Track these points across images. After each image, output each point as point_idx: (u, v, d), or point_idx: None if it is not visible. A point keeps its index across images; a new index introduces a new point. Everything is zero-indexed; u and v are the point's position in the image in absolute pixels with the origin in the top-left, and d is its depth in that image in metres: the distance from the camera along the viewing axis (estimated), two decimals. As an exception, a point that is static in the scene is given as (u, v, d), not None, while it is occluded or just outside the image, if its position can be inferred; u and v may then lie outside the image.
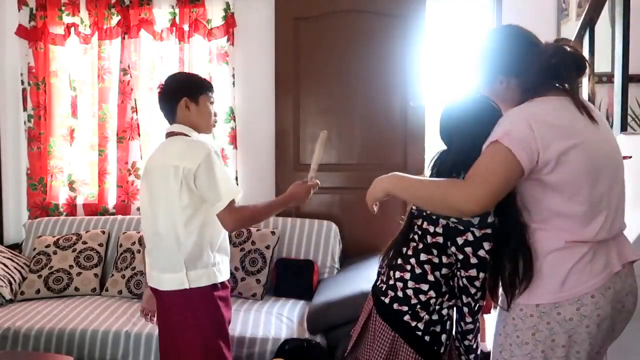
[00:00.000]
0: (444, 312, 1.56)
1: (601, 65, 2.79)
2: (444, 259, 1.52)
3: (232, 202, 1.85)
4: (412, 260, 1.56)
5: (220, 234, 1.96)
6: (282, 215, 3.26)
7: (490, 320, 2.70)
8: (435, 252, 1.53)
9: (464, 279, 1.50)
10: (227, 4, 3.32)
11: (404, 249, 1.60)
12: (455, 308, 1.59)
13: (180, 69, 3.35)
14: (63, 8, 3.47)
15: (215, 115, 2.06)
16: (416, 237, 1.58)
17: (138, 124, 3.43)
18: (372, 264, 2.63)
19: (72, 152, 3.54)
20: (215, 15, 3.35)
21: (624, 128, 2.12)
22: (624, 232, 1.39)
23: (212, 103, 2.03)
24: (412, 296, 1.54)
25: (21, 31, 3.49)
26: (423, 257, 1.54)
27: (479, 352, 1.62)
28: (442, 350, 1.56)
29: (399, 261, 1.60)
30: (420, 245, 1.56)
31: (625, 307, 1.34)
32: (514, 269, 1.36)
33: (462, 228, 1.47)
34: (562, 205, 1.29)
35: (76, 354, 2.46)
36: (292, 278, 2.95)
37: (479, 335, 1.61)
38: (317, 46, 3.26)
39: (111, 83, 3.48)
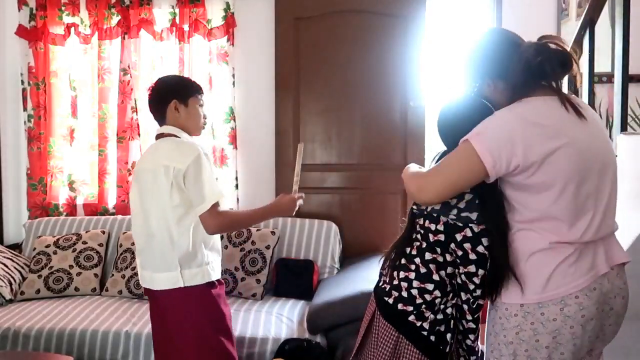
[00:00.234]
0: (449, 311, 1.55)
1: (601, 65, 2.79)
2: (448, 257, 1.52)
3: (216, 205, 1.86)
4: (417, 260, 1.56)
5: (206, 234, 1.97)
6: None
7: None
8: (438, 250, 1.53)
9: (463, 275, 1.50)
10: (227, 4, 3.32)
11: (408, 249, 1.60)
12: (455, 306, 1.58)
13: (180, 69, 3.35)
14: (63, 8, 3.47)
15: (204, 117, 2.08)
16: (419, 236, 1.58)
17: (138, 124, 3.43)
18: (372, 264, 2.63)
19: (72, 152, 3.54)
20: (215, 15, 3.35)
21: (624, 128, 2.12)
22: (614, 233, 1.38)
23: (201, 105, 2.06)
24: (417, 296, 1.53)
25: (21, 31, 3.49)
26: (428, 256, 1.54)
27: (479, 353, 1.61)
28: (447, 350, 1.56)
29: (403, 261, 1.59)
30: (424, 245, 1.56)
31: (614, 309, 1.33)
32: (494, 267, 1.40)
33: (461, 225, 1.48)
34: (546, 206, 1.29)
35: (76, 354, 2.46)
36: (292, 278, 2.95)
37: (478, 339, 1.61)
38: (317, 46, 3.26)
39: (111, 83, 3.48)
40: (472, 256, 1.47)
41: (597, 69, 2.34)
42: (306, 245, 3.10)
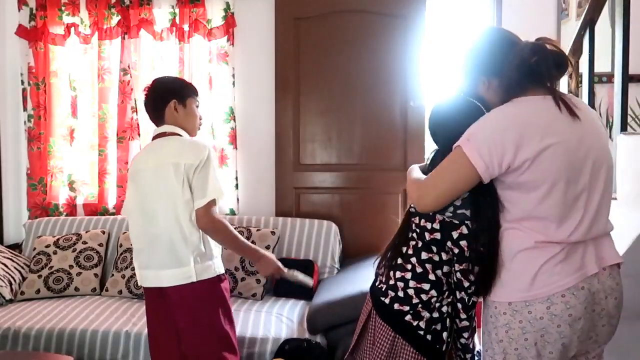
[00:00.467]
0: (444, 309, 1.55)
1: (601, 65, 2.78)
2: (444, 256, 1.53)
3: (212, 202, 1.91)
4: (413, 260, 1.56)
5: None
6: (281, 215, 3.28)
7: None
8: (434, 249, 1.53)
9: (458, 273, 1.50)
10: (227, 4, 3.32)
11: (404, 248, 1.60)
12: (450, 304, 1.59)
13: (180, 69, 3.35)
14: (63, 8, 3.48)
15: (200, 118, 2.13)
16: (415, 235, 1.58)
17: (138, 124, 3.43)
18: (372, 264, 2.63)
19: (72, 152, 3.54)
20: (215, 15, 3.35)
21: (624, 128, 2.12)
22: (609, 234, 1.38)
23: (197, 106, 2.11)
24: (414, 296, 1.54)
25: (21, 31, 3.49)
26: (424, 255, 1.55)
27: (475, 351, 1.61)
28: (443, 349, 1.56)
29: (399, 261, 1.60)
30: (420, 244, 1.56)
31: (605, 310, 1.33)
32: (482, 266, 1.42)
33: (457, 222, 1.48)
34: (534, 205, 1.30)
35: (76, 354, 2.46)
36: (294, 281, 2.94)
37: (475, 334, 1.61)
38: (317, 46, 3.26)
39: (111, 83, 3.48)
40: (467, 253, 1.48)
41: (597, 69, 2.34)
42: (306, 245, 3.10)
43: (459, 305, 1.53)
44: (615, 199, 2.01)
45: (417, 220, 1.58)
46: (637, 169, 1.91)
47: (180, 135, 2.01)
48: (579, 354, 1.38)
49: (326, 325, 2.44)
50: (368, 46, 3.22)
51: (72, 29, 3.48)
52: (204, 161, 1.91)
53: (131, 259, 2.99)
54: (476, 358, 1.64)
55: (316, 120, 3.30)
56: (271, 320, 2.55)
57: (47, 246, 3.12)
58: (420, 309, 1.54)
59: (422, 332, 1.53)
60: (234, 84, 3.35)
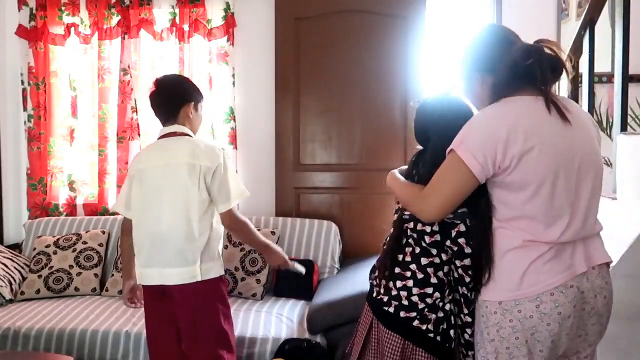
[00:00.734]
0: (447, 307, 1.55)
1: (601, 65, 2.78)
2: (443, 257, 1.53)
3: (235, 205, 2.01)
4: (413, 267, 1.55)
5: (222, 228, 2.08)
6: (282, 215, 3.28)
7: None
8: (434, 251, 1.53)
9: (460, 269, 1.50)
10: (227, 4, 3.32)
11: (400, 256, 1.59)
12: (453, 301, 1.58)
13: (180, 69, 3.35)
14: (63, 8, 3.48)
15: None
16: (411, 241, 1.57)
17: (138, 124, 3.43)
18: (372, 264, 2.63)
19: (72, 152, 3.54)
20: (215, 15, 3.35)
21: (624, 128, 2.12)
22: (598, 234, 1.39)
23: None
24: (419, 302, 1.54)
25: (21, 31, 3.49)
26: (424, 261, 1.54)
27: (470, 353, 1.59)
28: (452, 346, 1.56)
29: (397, 270, 1.58)
30: (418, 250, 1.56)
31: (595, 309, 1.34)
32: (476, 265, 1.43)
33: (458, 221, 1.49)
34: (522, 205, 1.31)
35: (76, 354, 2.46)
36: (292, 278, 2.93)
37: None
38: (317, 46, 3.26)
39: (111, 83, 3.48)
40: (468, 250, 1.48)
41: (597, 69, 2.34)
42: (306, 245, 3.10)
43: (462, 301, 1.53)
44: (615, 199, 2.01)
45: (412, 225, 1.56)
46: (637, 169, 1.91)
47: (190, 136, 2.04)
48: (570, 354, 1.39)
49: (326, 325, 2.44)
50: (368, 46, 3.22)
51: (72, 29, 3.48)
52: (222, 165, 1.96)
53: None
54: None
55: (316, 120, 3.30)
56: (271, 320, 2.55)
57: (47, 246, 3.12)
58: (427, 313, 1.53)
59: (432, 335, 1.53)
60: (234, 84, 3.36)
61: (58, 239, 3.15)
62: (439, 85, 3.50)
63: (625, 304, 1.88)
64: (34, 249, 3.15)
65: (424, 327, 1.53)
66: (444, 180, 1.35)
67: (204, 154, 1.96)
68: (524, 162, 1.27)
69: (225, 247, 2.96)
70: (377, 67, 3.21)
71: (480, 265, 1.41)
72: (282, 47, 3.28)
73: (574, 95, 2.36)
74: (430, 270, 1.53)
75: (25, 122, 3.56)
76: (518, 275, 1.31)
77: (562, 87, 2.49)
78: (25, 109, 3.55)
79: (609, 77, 2.99)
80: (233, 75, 3.35)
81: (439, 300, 1.54)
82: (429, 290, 1.53)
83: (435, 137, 1.54)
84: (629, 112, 2.51)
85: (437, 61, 3.45)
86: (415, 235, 1.56)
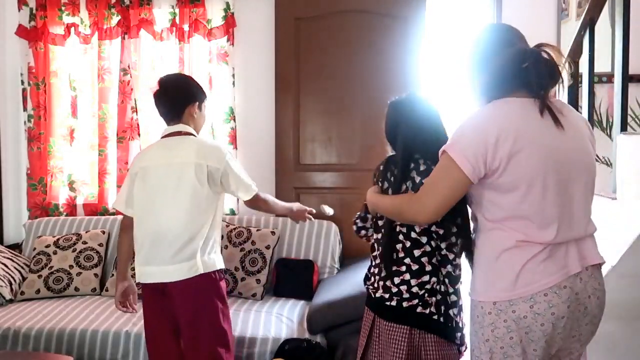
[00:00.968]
0: (442, 289, 1.62)
1: (601, 65, 2.78)
2: (433, 244, 1.61)
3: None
4: (407, 260, 1.61)
5: (221, 223, 2.13)
6: (282, 215, 3.27)
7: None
8: (424, 240, 1.60)
9: (444, 250, 1.60)
10: (227, 4, 3.32)
11: (393, 254, 1.64)
12: (441, 282, 1.66)
13: (180, 69, 3.35)
14: (63, 8, 3.48)
15: None
16: (401, 237, 1.63)
17: (138, 124, 3.44)
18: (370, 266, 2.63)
19: (72, 152, 3.54)
20: (215, 15, 3.35)
21: (624, 128, 2.12)
22: (592, 235, 1.41)
23: None
24: (419, 291, 1.60)
25: (21, 31, 3.49)
26: (417, 252, 1.61)
27: (464, 330, 1.67)
28: (453, 325, 1.63)
29: (393, 268, 1.63)
30: (409, 243, 1.62)
31: (588, 309, 1.35)
32: (464, 235, 1.55)
33: None
34: (514, 206, 1.32)
35: (76, 354, 2.46)
36: (292, 278, 2.95)
37: (462, 313, 1.68)
38: (317, 46, 3.26)
39: (111, 83, 3.48)
40: (454, 229, 1.58)
41: (597, 69, 2.34)
42: (306, 245, 3.10)
43: (447, 281, 1.61)
44: (615, 199, 2.01)
45: (397, 227, 1.64)
46: (637, 169, 1.91)
47: (195, 136, 2.07)
48: (563, 355, 1.40)
49: (326, 325, 2.44)
50: (368, 46, 3.22)
51: (72, 29, 3.48)
52: (229, 164, 2.02)
53: (132, 259, 3.00)
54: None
55: (316, 120, 3.30)
56: (271, 320, 2.55)
57: (47, 246, 3.12)
58: (427, 298, 1.60)
59: (435, 317, 1.60)
60: (234, 84, 3.36)
61: (58, 239, 3.15)
62: (443, 86, 3.51)
63: (625, 304, 1.88)
64: (34, 249, 3.15)
65: (427, 311, 1.59)
66: (437, 181, 1.37)
67: (210, 154, 2.00)
68: (513, 163, 1.29)
69: (225, 247, 2.96)
70: (377, 67, 3.21)
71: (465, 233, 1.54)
72: (282, 47, 3.28)
73: (574, 95, 2.36)
74: (424, 259, 1.60)
75: (25, 122, 3.56)
76: (513, 275, 1.32)
77: (562, 88, 2.48)
78: (25, 109, 3.55)
79: (609, 77, 2.98)
80: (233, 75, 3.35)
81: (435, 284, 1.61)
82: (426, 277, 1.60)
83: (404, 133, 1.68)
84: (629, 112, 2.51)
85: (437, 61, 3.45)
86: (404, 230, 1.62)
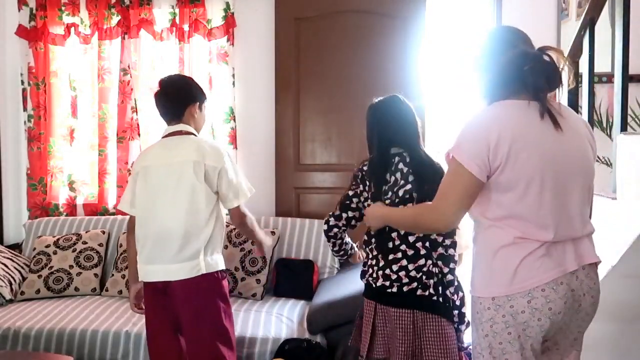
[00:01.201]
0: (436, 270, 1.75)
1: (601, 65, 2.78)
2: None
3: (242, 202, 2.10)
4: (402, 247, 1.74)
5: (224, 225, 2.14)
6: (282, 215, 3.28)
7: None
8: None
9: (434, 234, 1.73)
10: (227, 4, 3.32)
11: (390, 244, 1.74)
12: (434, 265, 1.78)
13: (180, 69, 3.35)
14: (63, 8, 3.48)
15: None
16: (387, 227, 1.74)
17: (138, 124, 3.43)
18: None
19: (72, 152, 3.54)
20: (215, 15, 3.35)
21: (624, 128, 2.12)
22: (590, 235, 1.43)
23: None
24: (416, 274, 1.72)
25: (21, 31, 3.49)
26: (411, 238, 1.74)
27: (463, 309, 1.79)
28: (450, 304, 1.76)
29: (390, 256, 1.75)
30: (402, 231, 1.74)
31: (582, 306, 1.38)
32: None
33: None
34: (512, 205, 1.35)
35: (76, 354, 2.46)
36: (292, 278, 2.95)
37: (460, 292, 1.80)
38: (317, 46, 3.26)
39: (111, 83, 3.48)
40: None
41: (597, 69, 2.33)
42: (306, 245, 3.10)
43: (440, 262, 1.74)
44: (615, 199, 2.01)
45: None
46: (637, 169, 1.91)
47: (195, 135, 2.08)
48: (553, 351, 1.45)
49: (326, 325, 2.44)
50: (368, 46, 3.22)
51: (72, 29, 3.48)
52: (226, 164, 2.02)
53: (131, 259, 3.00)
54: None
55: (316, 120, 3.30)
56: (271, 320, 2.55)
57: (47, 246, 3.12)
58: (426, 280, 1.72)
59: (435, 298, 1.72)
60: (234, 84, 3.35)
61: (58, 239, 3.15)
62: (443, 86, 3.51)
63: (626, 304, 1.88)
64: (34, 249, 3.15)
65: (426, 293, 1.71)
66: (450, 187, 1.39)
67: (209, 153, 2.00)
68: (511, 163, 1.32)
69: (225, 247, 2.96)
70: (377, 67, 3.21)
71: None
72: (282, 47, 3.28)
73: (574, 95, 2.36)
74: (419, 244, 1.74)
75: (25, 122, 3.56)
76: (511, 271, 1.34)
77: (561, 90, 2.49)
78: (25, 109, 3.55)
79: (609, 77, 2.98)
80: (233, 75, 3.35)
81: (431, 266, 1.73)
82: (422, 261, 1.73)
83: (382, 132, 1.86)
84: (629, 112, 2.50)
85: (437, 61, 3.45)
86: None
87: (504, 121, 1.34)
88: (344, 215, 1.89)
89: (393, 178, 1.81)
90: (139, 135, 3.44)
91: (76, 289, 3.00)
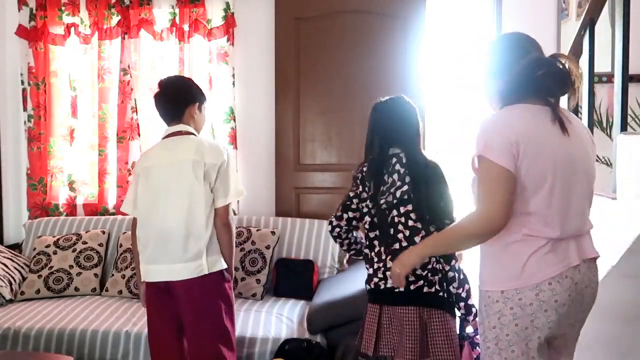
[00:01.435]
0: (440, 267, 1.81)
1: (601, 65, 2.78)
2: (426, 228, 1.80)
3: (230, 204, 2.06)
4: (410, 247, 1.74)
5: None
6: (282, 215, 3.28)
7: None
8: (419, 225, 1.80)
9: (434, 231, 1.78)
10: (227, 4, 3.32)
11: (396, 245, 1.80)
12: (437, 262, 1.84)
13: (180, 69, 3.35)
14: (63, 8, 3.47)
15: None
16: (400, 227, 1.80)
17: (138, 124, 3.43)
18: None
19: (72, 152, 3.54)
20: (215, 15, 3.35)
21: (624, 128, 2.12)
22: (589, 232, 1.50)
23: None
24: (422, 272, 1.77)
25: (21, 31, 3.49)
26: (417, 239, 1.78)
27: (470, 301, 1.85)
28: (453, 300, 1.83)
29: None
30: (408, 232, 1.79)
31: (584, 298, 1.45)
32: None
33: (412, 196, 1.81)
34: (524, 204, 1.40)
35: (76, 354, 2.46)
36: (292, 278, 2.95)
37: (466, 285, 1.86)
38: (317, 46, 3.26)
39: (111, 83, 3.48)
40: (439, 213, 1.80)
41: (597, 69, 2.34)
42: (306, 245, 3.10)
43: (442, 260, 1.81)
44: (615, 199, 2.01)
45: (395, 212, 1.81)
46: (637, 169, 1.91)
47: (195, 135, 2.09)
48: (558, 342, 1.49)
49: (326, 325, 2.44)
50: (368, 46, 3.22)
51: (72, 29, 3.48)
52: (225, 163, 2.02)
53: (131, 259, 3.00)
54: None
55: (316, 120, 3.30)
56: (271, 320, 2.55)
57: (47, 246, 3.12)
58: (431, 277, 1.78)
59: (440, 294, 1.78)
60: (234, 84, 3.35)
61: (58, 239, 3.15)
62: (443, 86, 3.51)
63: (626, 304, 1.88)
64: (34, 249, 3.15)
65: (432, 289, 1.77)
66: (490, 185, 1.39)
67: (208, 152, 2.01)
68: (526, 163, 1.37)
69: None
70: (377, 67, 3.21)
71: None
72: (282, 47, 3.28)
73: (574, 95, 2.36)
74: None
75: (25, 122, 3.56)
76: (520, 265, 1.40)
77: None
78: (25, 109, 3.55)
79: (609, 77, 2.98)
80: (233, 75, 3.35)
81: (435, 263, 1.79)
82: (426, 259, 1.74)
83: (382, 132, 1.90)
84: (629, 112, 2.50)
85: (436, 61, 3.45)
86: (402, 220, 1.80)
87: (520, 123, 1.39)
88: (345, 215, 1.94)
89: (390, 179, 1.84)
90: (139, 135, 3.44)
91: (76, 289, 3.00)
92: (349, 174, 3.32)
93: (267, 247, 2.96)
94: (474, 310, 1.86)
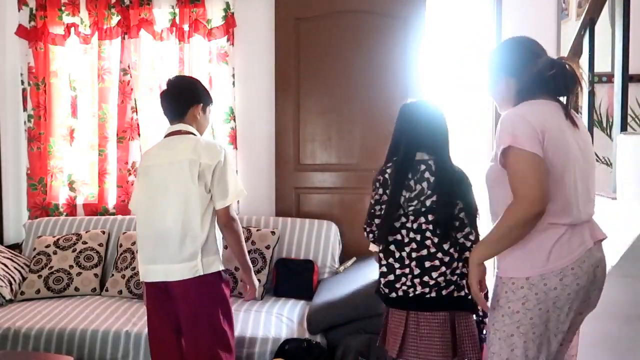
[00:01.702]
0: (465, 271, 1.80)
1: (601, 65, 2.78)
2: (453, 234, 1.81)
3: (231, 205, 2.04)
4: (439, 255, 1.78)
5: None
6: (282, 215, 3.28)
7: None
8: (437, 231, 1.79)
9: (462, 238, 1.81)
10: (227, 4, 3.32)
11: (424, 251, 1.79)
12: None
13: (180, 69, 3.35)
14: (63, 8, 3.48)
15: None
16: (428, 233, 1.79)
17: (138, 124, 3.44)
18: (372, 264, 2.63)
19: (72, 152, 3.54)
20: (215, 15, 3.35)
21: (624, 128, 2.12)
22: (593, 217, 1.61)
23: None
24: (451, 277, 1.79)
25: (21, 31, 3.49)
26: (446, 246, 1.79)
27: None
28: (470, 297, 1.80)
29: (427, 264, 1.78)
30: (436, 239, 1.79)
31: (597, 277, 1.55)
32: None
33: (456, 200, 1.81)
34: None
35: (76, 354, 2.46)
36: (292, 278, 2.95)
37: (485, 288, 1.79)
38: (317, 46, 3.26)
39: (111, 83, 3.48)
40: (465, 220, 1.82)
41: (597, 69, 2.34)
42: (306, 245, 3.10)
43: (465, 265, 1.80)
44: (615, 199, 2.01)
45: (405, 220, 1.81)
46: (637, 169, 1.91)
47: (195, 135, 2.08)
48: (576, 320, 1.57)
49: (326, 325, 2.44)
50: (368, 46, 3.22)
51: (72, 29, 3.48)
52: (222, 163, 1.99)
53: (131, 259, 3.00)
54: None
55: (316, 120, 3.30)
56: (271, 320, 2.55)
57: (47, 246, 3.12)
58: (460, 281, 1.80)
59: (469, 297, 1.77)
60: (234, 84, 3.36)
61: (58, 239, 3.15)
62: (443, 86, 3.51)
63: (625, 304, 1.88)
64: (34, 249, 3.15)
65: (462, 293, 1.80)
66: (524, 172, 1.44)
67: (204, 151, 1.99)
68: (550, 153, 1.47)
69: (225, 247, 2.95)
70: (377, 67, 3.21)
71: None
72: (282, 47, 3.28)
73: (574, 95, 2.36)
74: (452, 250, 1.79)
75: (25, 122, 3.56)
76: (545, 253, 1.48)
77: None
78: (25, 109, 3.55)
79: (609, 77, 2.98)
80: (233, 75, 3.35)
81: (462, 267, 1.81)
82: (455, 264, 1.79)
83: (410, 135, 1.87)
84: (629, 112, 2.50)
85: (436, 61, 3.45)
86: (431, 227, 1.79)
87: (542, 114, 1.49)
88: (373, 223, 1.92)
89: (419, 187, 1.80)
90: (139, 135, 3.44)
91: (76, 289, 3.00)
92: (349, 174, 3.36)
93: (267, 247, 2.96)
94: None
